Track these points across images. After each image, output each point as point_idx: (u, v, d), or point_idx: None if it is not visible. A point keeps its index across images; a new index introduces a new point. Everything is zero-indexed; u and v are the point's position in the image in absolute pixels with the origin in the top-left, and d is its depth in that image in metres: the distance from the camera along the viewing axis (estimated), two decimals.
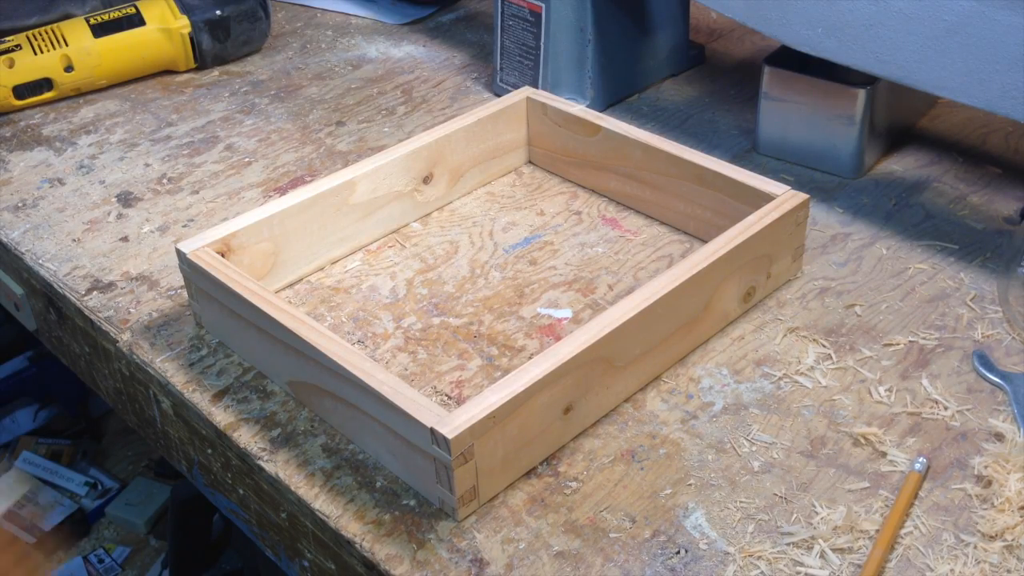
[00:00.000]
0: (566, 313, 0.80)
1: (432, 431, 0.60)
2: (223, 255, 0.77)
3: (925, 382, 0.73)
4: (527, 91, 0.96)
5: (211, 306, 0.77)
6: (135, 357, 0.78)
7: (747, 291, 0.78)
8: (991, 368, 0.73)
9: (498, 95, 1.08)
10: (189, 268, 0.76)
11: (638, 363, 0.71)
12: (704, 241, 0.79)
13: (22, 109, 1.10)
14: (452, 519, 0.64)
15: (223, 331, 0.77)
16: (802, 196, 0.80)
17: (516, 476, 0.66)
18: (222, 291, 0.73)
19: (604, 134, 0.91)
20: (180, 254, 0.76)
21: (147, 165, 1.01)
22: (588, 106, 1.04)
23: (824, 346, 0.76)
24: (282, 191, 0.95)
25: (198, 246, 0.76)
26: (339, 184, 0.84)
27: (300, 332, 0.68)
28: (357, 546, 0.63)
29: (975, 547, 0.61)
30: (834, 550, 0.61)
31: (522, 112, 0.96)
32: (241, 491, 0.73)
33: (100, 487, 1.64)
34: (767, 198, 0.80)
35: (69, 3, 1.16)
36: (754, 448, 0.68)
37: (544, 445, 0.67)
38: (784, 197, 0.79)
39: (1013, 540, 0.61)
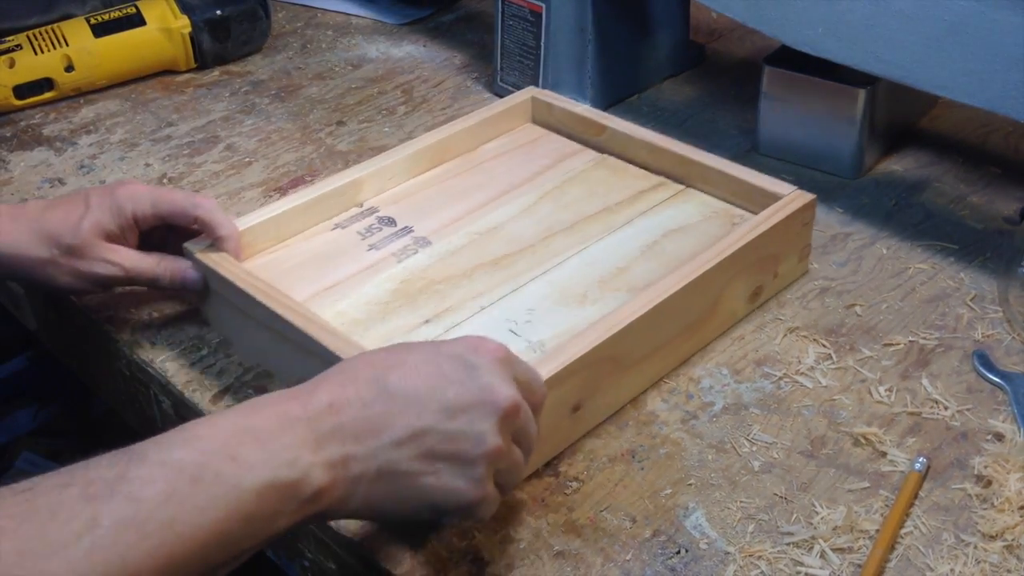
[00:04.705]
0: None
1: None
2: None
3: (925, 382, 0.73)
4: (532, 91, 0.96)
5: (220, 304, 0.77)
6: (135, 357, 0.78)
7: (754, 291, 0.78)
8: (991, 368, 0.73)
9: (498, 95, 1.08)
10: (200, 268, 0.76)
11: (646, 362, 0.71)
12: None
13: (22, 109, 1.10)
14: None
15: (231, 329, 0.78)
16: (809, 196, 0.80)
17: (527, 473, 0.66)
18: (232, 291, 0.73)
19: (609, 133, 0.91)
20: (188, 252, 0.76)
21: (147, 165, 1.01)
22: (588, 106, 1.04)
23: (824, 346, 0.76)
24: (282, 191, 0.95)
25: (205, 245, 0.76)
26: (345, 184, 0.84)
27: (310, 332, 0.68)
28: (357, 546, 0.63)
29: (975, 547, 0.61)
30: (834, 550, 0.61)
31: (527, 111, 0.96)
32: None
33: None
34: (774, 198, 0.80)
35: (69, 3, 1.16)
36: (754, 448, 0.68)
37: (554, 443, 0.67)
38: (791, 197, 0.80)
39: (1013, 540, 0.61)
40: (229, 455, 0.48)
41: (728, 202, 0.84)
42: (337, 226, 0.84)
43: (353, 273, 0.79)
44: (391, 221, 0.84)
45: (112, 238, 0.74)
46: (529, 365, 0.59)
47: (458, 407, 0.53)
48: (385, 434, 0.52)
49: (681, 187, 0.87)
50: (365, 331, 0.73)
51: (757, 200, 0.81)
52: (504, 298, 0.76)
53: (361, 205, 0.86)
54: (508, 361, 0.56)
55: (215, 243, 0.75)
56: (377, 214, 0.85)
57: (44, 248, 0.73)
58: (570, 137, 0.94)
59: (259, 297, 0.71)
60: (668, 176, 0.88)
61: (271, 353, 0.74)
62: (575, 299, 0.75)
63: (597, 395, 0.69)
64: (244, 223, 0.79)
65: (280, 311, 0.70)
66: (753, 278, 0.78)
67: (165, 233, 0.77)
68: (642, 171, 0.89)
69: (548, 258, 0.80)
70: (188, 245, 0.76)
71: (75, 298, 0.83)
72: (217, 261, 0.75)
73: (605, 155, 0.91)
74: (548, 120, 0.96)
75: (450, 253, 0.81)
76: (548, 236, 0.82)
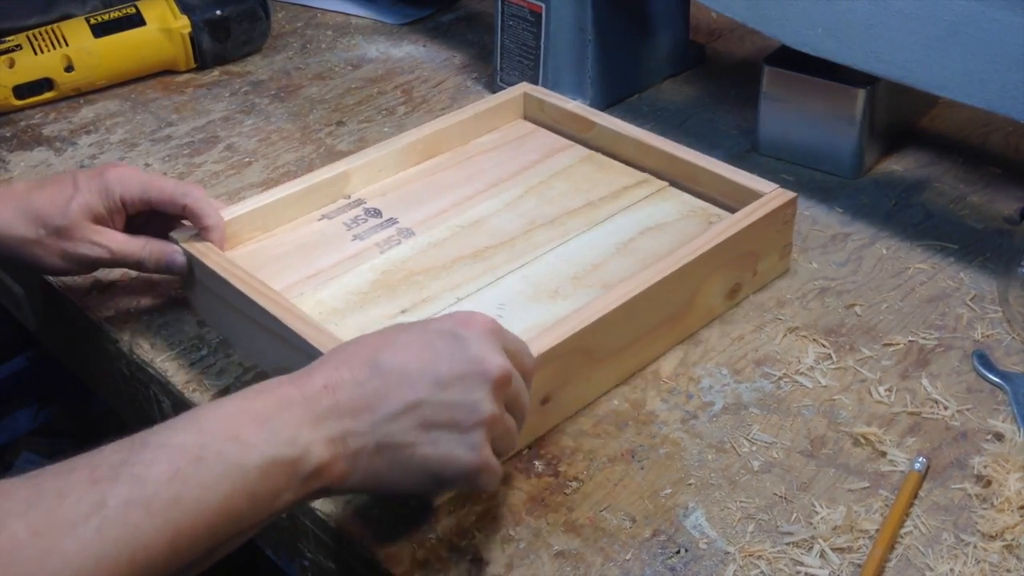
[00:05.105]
0: None
1: None
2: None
3: (925, 382, 0.73)
4: (524, 87, 0.97)
5: (204, 293, 0.77)
6: (135, 357, 0.78)
7: (732, 287, 0.79)
8: (991, 368, 0.73)
9: None
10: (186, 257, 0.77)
11: (619, 356, 0.72)
12: None
13: (22, 109, 1.10)
14: (432, 507, 0.64)
15: (215, 319, 0.78)
16: (789, 194, 0.80)
17: (514, 451, 0.66)
18: (214, 280, 0.74)
19: (598, 130, 0.91)
20: (173, 241, 0.77)
21: (147, 165, 1.01)
22: (579, 103, 1.04)
23: (824, 346, 0.76)
24: None
25: (190, 234, 0.77)
26: (334, 175, 0.85)
27: (287, 321, 0.68)
28: (357, 546, 0.63)
29: (975, 547, 0.61)
30: (834, 550, 0.61)
31: (519, 107, 0.97)
32: None
33: None
34: (755, 195, 0.80)
35: (69, 3, 1.16)
36: (754, 448, 0.68)
37: (522, 435, 0.66)
38: (771, 195, 0.80)
39: (1013, 540, 0.61)
40: (230, 435, 0.49)
41: (712, 199, 0.85)
42: (324, 216, 0.85)
43: (336, 263, 0.80)
44: (377, 212, 0.85)
45: (99, 220, 0.74)
46: (517, 337, 0.60)
47: (450, 379, 0.54)
48: (380, 409, 0.53)
49: (663, 184, 0.87)
50: (342, 320, 0.74)
51: (741, 198, 0.81)
52: (480, 291, 0.76)
53: (349, 197, 0.87)
54: (497, 332, 0.57)
55: (201, 232, 0.76)
56: (364, 205, 0.86)
57: (31, 228, 0.73)
58: (560, 133, 0.95)
59: (239, 286, 0.72)
60: (654, 173, 0.88)
61: (254, 343, 0.74)
62: (547, 295, 0.76)
63: (568, 387, 0.69)
64: (231, 213, 0.80)
65: (259, 300, 0.70)
66: (731, 275, 0.78)
67: (149, 217, 0.77)
68: (627, 167, 0.90)
69: (527, 252, 0.80)
70: (174, 234, 0.77)
71: (75, 298, 0.83)
72: (201, 250, 0.75)
73: (593, 151, 0.92)
74: (539, 116, 0.96)
75: (432, 245, 0.81)
76: (529, 230, 0.83)
